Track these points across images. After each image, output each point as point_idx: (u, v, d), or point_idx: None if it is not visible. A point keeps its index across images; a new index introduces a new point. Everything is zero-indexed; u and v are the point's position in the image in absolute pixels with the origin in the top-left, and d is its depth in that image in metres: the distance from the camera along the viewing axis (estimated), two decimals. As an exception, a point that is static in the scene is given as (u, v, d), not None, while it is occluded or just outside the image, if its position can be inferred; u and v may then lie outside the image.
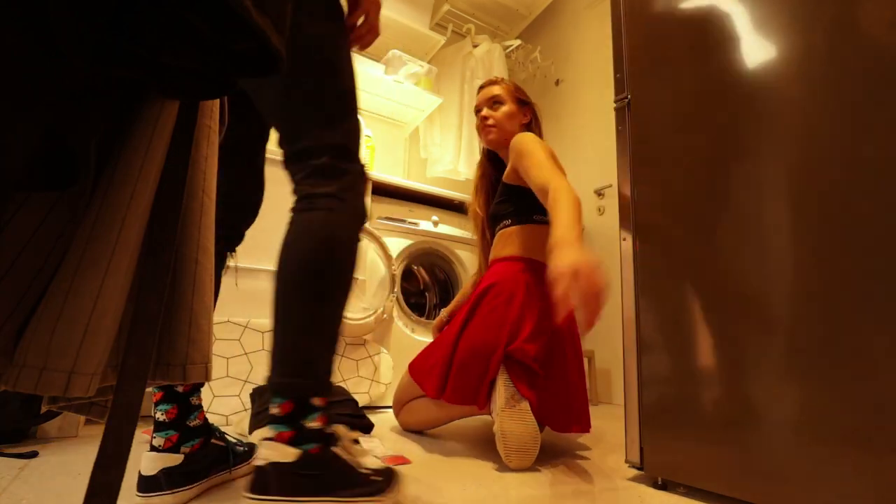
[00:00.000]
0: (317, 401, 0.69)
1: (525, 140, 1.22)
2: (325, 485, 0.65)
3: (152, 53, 0.34)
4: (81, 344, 0.35)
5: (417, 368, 1.25)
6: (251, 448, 0.88)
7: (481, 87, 1.46)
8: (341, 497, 0.66)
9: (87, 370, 0.35)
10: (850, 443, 0.65)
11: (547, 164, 1.14)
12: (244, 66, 0.37)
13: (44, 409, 0.43)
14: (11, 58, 0.30)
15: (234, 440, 0.88)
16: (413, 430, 1.33)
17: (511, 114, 1.38)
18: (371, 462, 0.76)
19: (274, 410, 0.68)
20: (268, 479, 0.64)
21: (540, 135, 1.40)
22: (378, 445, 1.11)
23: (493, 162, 1.49)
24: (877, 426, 0.63)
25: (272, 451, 0.65)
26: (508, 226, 1.28)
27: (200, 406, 0.81)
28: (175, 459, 0.74)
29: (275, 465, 0.64)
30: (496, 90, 1.40)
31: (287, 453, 0.65)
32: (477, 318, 1.18)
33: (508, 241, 1.27)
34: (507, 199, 1.29)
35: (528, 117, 1.40)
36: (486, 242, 1.43)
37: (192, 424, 0.78)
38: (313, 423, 0.67)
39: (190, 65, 0.36)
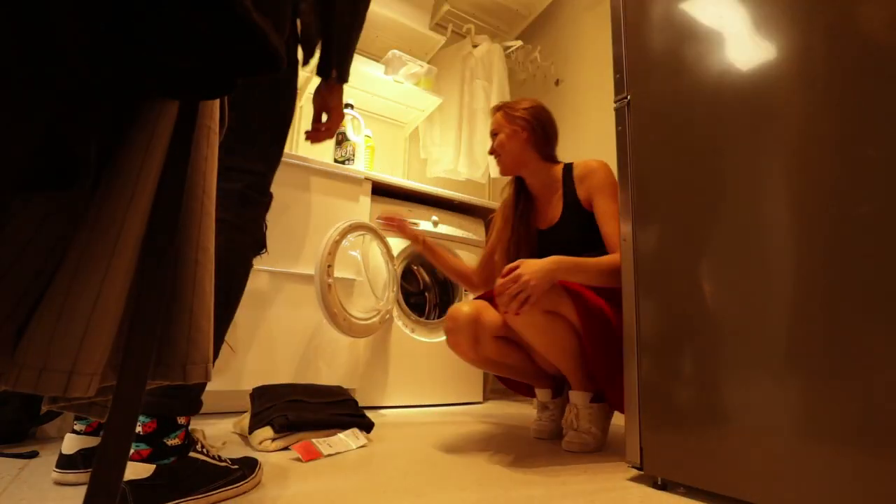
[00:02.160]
0: (182, 420, 0.72)
1: (605, 177, 1.35)
2: (183, 488, 0.69)
3: (152, 53, 0.34)
4: (81, 344, 0.35)
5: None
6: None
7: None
8: (202, 494, 0.70)
9: (86, 370, 0.35)
10: (849, 443, 0.65)
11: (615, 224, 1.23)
12: (244, 66, 0.37)
13: (44, 409, 0.43)
14: (11, 58, 0.30)
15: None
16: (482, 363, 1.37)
17: (506, 140, 1.45)
18: (227, 454, 0.82)
19: (137, 429, 0.70)
20: (125, 496, 0.65)
21: (548, 136, 1.47)
22: (351, 439, 1.12)
23: (522, 192, 1.53)
24: (875, 426, 0.63)
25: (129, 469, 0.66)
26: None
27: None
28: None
29: (129, 483, 0.66)
30: (492, 125, 1.50)
31: (144, 469, 0.68)
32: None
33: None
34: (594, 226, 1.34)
35: (526, 131, 1.44)
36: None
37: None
38: (174, 441, 0.70)
39: (190, 65, 0.36)
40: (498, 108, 1.50)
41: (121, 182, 0.38)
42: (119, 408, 0.34)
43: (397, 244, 1.89)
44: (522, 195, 1.51)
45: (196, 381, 0.44)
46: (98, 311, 0.36)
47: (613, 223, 1.25)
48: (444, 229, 2.04)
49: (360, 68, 2.18)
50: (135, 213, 0.38)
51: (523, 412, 1.86)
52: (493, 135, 1.48)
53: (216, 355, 0.72)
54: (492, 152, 1.49)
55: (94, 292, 0.36)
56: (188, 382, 0.43)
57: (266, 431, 1.07)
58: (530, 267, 1.09)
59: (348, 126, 2.03)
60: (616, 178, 1.22)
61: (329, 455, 1.04)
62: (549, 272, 1.10)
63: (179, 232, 0.43)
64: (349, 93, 2.34)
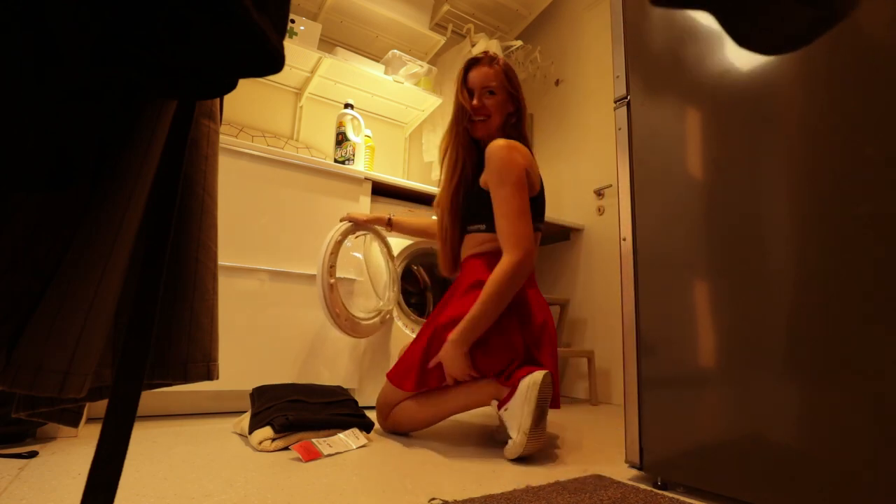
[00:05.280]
0: None
1: (498, 161, 1.20)
2: None
3: (152, 53, 0.34)
4: (77, 344, 0.35)
5: (395, 373, 1.25)
6: None
7: (476, 62, 1.36)
8: None
9: (82, 370, 0.35)
10: (849, 443, 0.65)
11: (508, 222, 1.17)
12: (244, 65, 0.37)
13: (20, 415, 0.42)
14: (10, 58, 0.30)
15: None
16: (401, 433, 1.29)
17: (500, 105, 1.33)
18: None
19: None
20: None
21: (522, 133, 1.36)
22: (351, 439, 1.12)
23: (473, 149, 1.39)
24: (877, 426, 0.63)
25: None
26: (483, 231, 1.29)
27: None
28: None
29: None
30: (492, 79, 1.33)
31: None
32: (453, 303, 1.22)
33: (483, 246, 1.28)
34: (485, 204, 1.25)
35: (513, 107, 1.35)
36: (450, 234, 1.37)
37: None
38: None
39: (189, 65, 0.36)
40: (494, 60, 1.34)
41: (119, 182, 0.38)
42: (116, 408, 0.34)
43: (396, 245, 1.89)
44: (472, 158, 1.38)
45: (197, 379, 0.44)
46: (94, 312, 0.36)
47: (502, 222, 1.18)
48: (444, 229, 2.04)
49: (360, 68, 2.18)
50: (133, 214, 0.38)
51: (523, 412, 1.85)
52: (490, 91, 1.32)
53: None
54: (479, 108, 1.31)
55: (91, 293, 0.36)
56: (189, 381, 0.43)
57: (266, 431, 1.07)
58: (446, 360, 1.16)
59: (348, 126, 2.03)
60: (509, 163, 1.19)
61: (329, 455, 1.04)
62: (458, 348, 1.14)
63: (179, 230, 0.43)
64: (349, 93, 2.34)
